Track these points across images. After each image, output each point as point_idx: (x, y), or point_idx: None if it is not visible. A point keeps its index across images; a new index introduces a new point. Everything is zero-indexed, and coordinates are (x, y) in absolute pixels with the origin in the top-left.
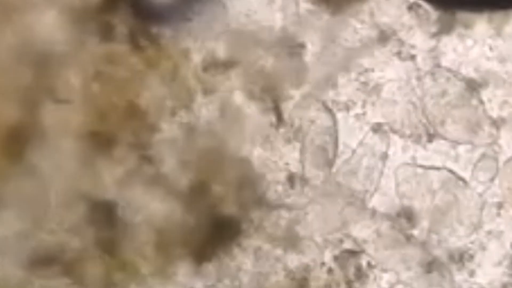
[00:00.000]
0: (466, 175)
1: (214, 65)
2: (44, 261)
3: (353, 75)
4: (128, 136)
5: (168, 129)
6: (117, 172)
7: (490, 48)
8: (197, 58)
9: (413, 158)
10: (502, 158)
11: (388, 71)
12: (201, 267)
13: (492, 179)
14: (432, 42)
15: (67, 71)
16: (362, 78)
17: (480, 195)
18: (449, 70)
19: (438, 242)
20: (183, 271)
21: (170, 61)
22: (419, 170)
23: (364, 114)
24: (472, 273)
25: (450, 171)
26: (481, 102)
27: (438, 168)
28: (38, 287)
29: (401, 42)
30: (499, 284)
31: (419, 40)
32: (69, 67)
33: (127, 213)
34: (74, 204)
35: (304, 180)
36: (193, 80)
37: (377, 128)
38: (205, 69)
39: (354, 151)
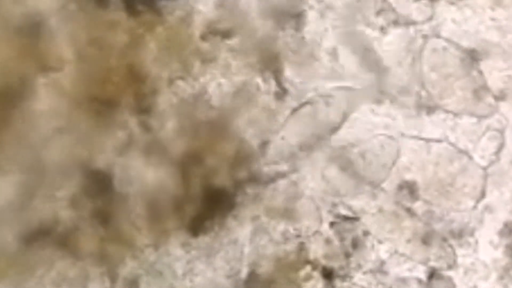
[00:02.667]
0: (469, 148)
1: (212, 34)
2: (38, 232)
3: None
4: (125, 101)
5: (166, 96)
6: (114, 139)
7: (491, 19)
8: (195, 26)
9: (414, 130)
10: (508, 132)
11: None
12: (197, 239)
13: (497, 153)
14: (429, 12)
15: (63, 37)
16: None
17: (484, 168)
18: (448, 40)
19: (439, 216)
20: (178, 243)
21: (168, 27)
22: (421, 143)
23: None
24: (474, 248)
25: (452, 144)
26: (481, 73)
27: (439, 141)
28: (32, 258)
29: (396, 13)
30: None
31: (415, 9)
32: (64, 34)
33: (122, 183)
34: (69, 173)
35: (306, 149)
36: (191, 48)
37: (378, 99)
38: (204, 37)
39: (353, 123)
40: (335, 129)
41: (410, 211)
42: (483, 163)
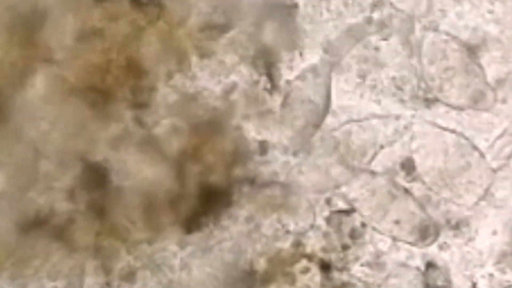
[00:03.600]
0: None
1: (210, 28)
2: (34, 223)
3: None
4: (123, 94)
5: (163, 91)
6: (110, 132)
7: (489, 12)
8: (193, 21)
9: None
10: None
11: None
12: (192, 235)
13: (509, 157)
14: (425, 6)
15: (64, 28)
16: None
17: (494, 171)
18: (447, 33)
19: (436, 203)
20: (173, 238)
21: (167, 22)
22: (436, 130)
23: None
24: (470, 239)
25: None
26: (480, 66)
27: (454, 132)
28: (28, 250)
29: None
30: (498, 250)
31: (412, 3)
32: (66, 24)
33: (118, 177)
34: (66, 165)
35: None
36: (188, 43)
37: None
38: (201, 31)
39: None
40: (323, 116)
41: (406, 192)
42: (495, 164)
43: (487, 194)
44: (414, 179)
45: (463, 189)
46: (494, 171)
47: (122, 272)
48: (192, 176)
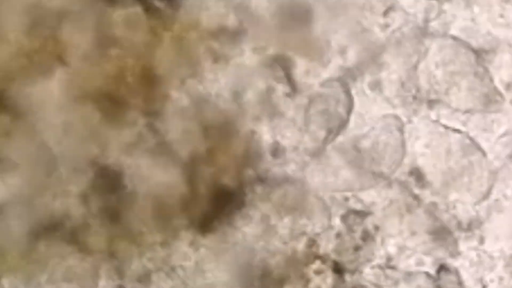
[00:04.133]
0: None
1: (223, 33)
2: (48, 227)
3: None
4: (136, 101)
5: (177, 97)
6: (124, 138)
7: (500, 15)
8: (207, 25)
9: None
10: None
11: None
12: (205, 238)
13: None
14: (437, 9)
15: (80, 32)
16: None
17: (495, 172)
18: (456, 38)
19: (444, 208)
20: (187, 241)
21: (180, 26)
22: (441, 129)
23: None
24: (481, 241)
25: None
26: (488, 70)
27: (459, 131)
28: (42, 253)
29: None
30: (509, 253)
31: (422, 6)
32: (82, 29)
33: (132, 181)
34: (80, 169)
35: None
36: (202, 48)
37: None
38: (215, 36)
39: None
40: (343, 122)
41: (417, 200)
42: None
43: (489, 194)
44: (423, 185)
45: (467, 189)
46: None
47: (136, 275)
48: (205, 179)
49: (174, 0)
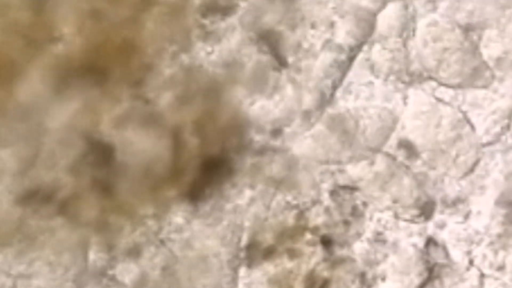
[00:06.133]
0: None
1: (213, 9)
2: (39, 200)
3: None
4: (123, 73)
5: (166, 71)
6: (112, 110)
7: None
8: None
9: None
10: None
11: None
12: (197, 208)
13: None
14: None
15: (64, 10)
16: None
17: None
18: (444, 15)
19: (433, 181)
20: (179, 212)
21: (167, 4)
22: (433, 100)
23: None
24: (466, 216)
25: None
26: (477, 47)
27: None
28: (33, 227)
29: None
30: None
31: None
32: (68, 6)
33: (122, 153)
34: (69, 142)
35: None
36: (192, 24)
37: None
38: (205, 13)
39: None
40: (330, 96)
41: (407, 171)
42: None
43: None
44: (413, 156)
45: (454, 162)
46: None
47: (128, 248)
48: (193, 148)
49: None
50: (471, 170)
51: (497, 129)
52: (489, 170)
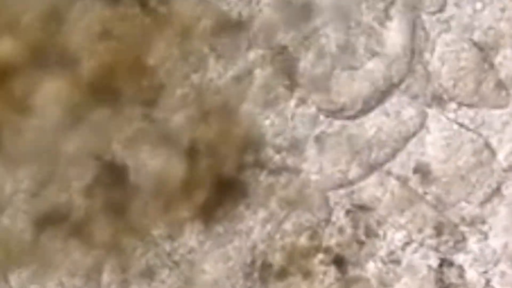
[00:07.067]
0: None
1: (225, 29)
2: (52, 221)
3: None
4: (135, 94)
5: (178, 91)
6: (125, 130)
7: (501, 10)
8: (207, 21)
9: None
10: None
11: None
12: (210, 229)
13: None
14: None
15: (79, 30)
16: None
17: (505, 170)
18: (459, 34)
19: (450, 203)
20: (192, 233)
21: (180, 22)
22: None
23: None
24: (483, 237)
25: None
26: (493, 65)
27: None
28: (47, 248)
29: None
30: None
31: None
32: (81, 27)
33: (135, 174)
34: (83, 164)
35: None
36: (204, 43)
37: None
38: (216, 32)
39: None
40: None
41: (422, 196)
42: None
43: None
44: (429, 178)
45: (474, 187)
46: (505, 170)
47: (141, 269)
48: (207, 169)
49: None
50: (491, 196)
51: None
52: (509, 194)
